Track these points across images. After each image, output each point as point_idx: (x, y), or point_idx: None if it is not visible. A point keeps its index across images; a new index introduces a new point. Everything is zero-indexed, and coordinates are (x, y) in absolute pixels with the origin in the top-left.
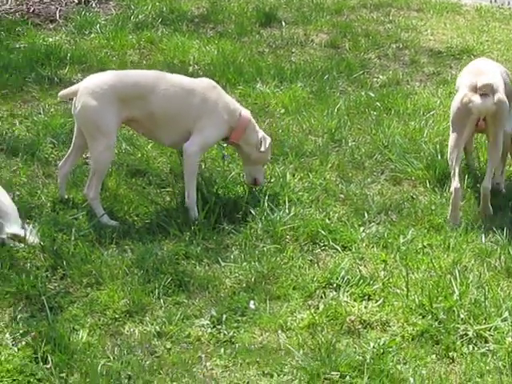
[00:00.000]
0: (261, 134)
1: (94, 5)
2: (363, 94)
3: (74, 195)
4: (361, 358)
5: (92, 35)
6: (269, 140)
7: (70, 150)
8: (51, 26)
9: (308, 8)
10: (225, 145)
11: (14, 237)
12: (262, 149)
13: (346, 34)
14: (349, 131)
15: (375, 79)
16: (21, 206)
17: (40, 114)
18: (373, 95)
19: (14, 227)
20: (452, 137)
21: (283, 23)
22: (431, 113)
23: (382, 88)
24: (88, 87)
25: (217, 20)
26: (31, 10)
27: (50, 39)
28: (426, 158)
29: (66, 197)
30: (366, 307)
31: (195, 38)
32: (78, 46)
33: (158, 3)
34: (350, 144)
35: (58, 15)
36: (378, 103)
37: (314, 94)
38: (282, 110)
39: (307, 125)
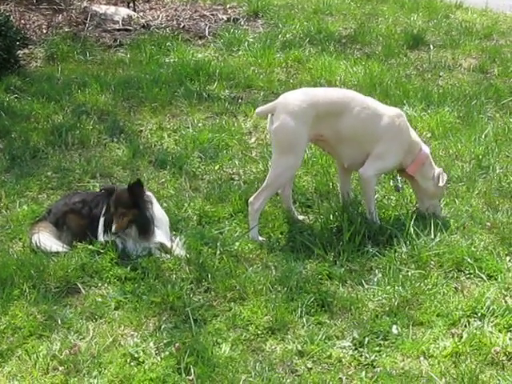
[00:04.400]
0: (438, 170)
1: (242, 22)
2: None
3: (220, 210)
4: None
5: (240, 52)
6: (446, 176)
7: None
8: (200, 42)
9: (456, 32)
10: (399, 178)
11: (161, 247)
12: (440, 183)
13: (495, 59)
14: (496, 158)
15: None
16: (168, 217)
17: (188, 128)
18: None
19: (163, 237)
20: None
21: (431, 46)
22: None
23: None
24: (287, 105)
25: (364, 41)
26: (181, 26)
27: (199, 55)
28: None
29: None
30: (511, 339)
31: (342, 59)
32: (227, 62)
33: (305, 23)
34: (497, 171)
35: (207, 32)
36: None
37: (462, 119)
38: (429, 134)
39: (454, 150)
